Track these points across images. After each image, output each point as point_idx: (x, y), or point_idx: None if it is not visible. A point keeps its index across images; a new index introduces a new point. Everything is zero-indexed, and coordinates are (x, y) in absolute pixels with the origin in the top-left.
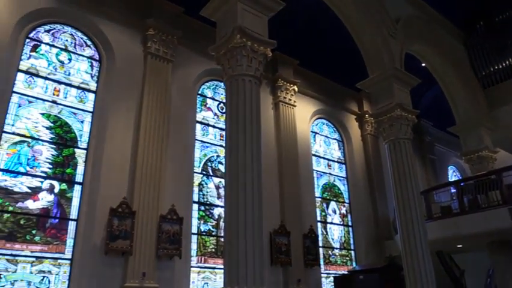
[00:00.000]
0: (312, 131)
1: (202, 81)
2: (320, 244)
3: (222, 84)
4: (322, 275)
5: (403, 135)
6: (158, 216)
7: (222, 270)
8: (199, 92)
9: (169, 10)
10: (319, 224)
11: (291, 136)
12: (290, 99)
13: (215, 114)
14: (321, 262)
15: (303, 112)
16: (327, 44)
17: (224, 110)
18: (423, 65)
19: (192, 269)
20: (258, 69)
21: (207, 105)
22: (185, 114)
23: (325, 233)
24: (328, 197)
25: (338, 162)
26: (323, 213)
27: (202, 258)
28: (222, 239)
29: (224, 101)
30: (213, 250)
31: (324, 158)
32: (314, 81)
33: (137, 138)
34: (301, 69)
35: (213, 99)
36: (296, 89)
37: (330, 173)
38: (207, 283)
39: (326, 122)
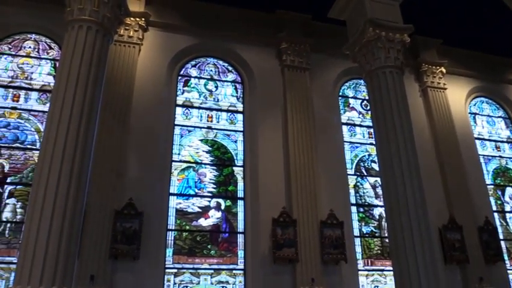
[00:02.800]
0: (470, 113)
1: (342, 83)
2: (501, 237)
3: (362, 81)
4: (508, 271)
5: None
6: (319, 222)
7: (392, 272)
8: (340, 94)
9: (297, 20)
10: (496, 215)
11: (447, 122)
12: (439, 83)
13: (359, 113)
14: (505, 257)
15: (456, 94)
16: (470, 12)
17: (368, 107)
18: None
19: (360, 272)
20: (397, 59)
21: (350, 105)
22: (330, 118)
23: (505, 223)
24: (502, 183)
25: (507, 142)
26: (499, 202)
27: (369, 261)
28: (387, 240)
29: (367, 97)
30: (379, 252)
31: (490, 140)
32: (464, 58)
33: (287, 148)
34: (446, 48)
35: (355, 98)
36: (444, 70)
37: (500, 156)
38: (377, 286)
39: (486, 100)
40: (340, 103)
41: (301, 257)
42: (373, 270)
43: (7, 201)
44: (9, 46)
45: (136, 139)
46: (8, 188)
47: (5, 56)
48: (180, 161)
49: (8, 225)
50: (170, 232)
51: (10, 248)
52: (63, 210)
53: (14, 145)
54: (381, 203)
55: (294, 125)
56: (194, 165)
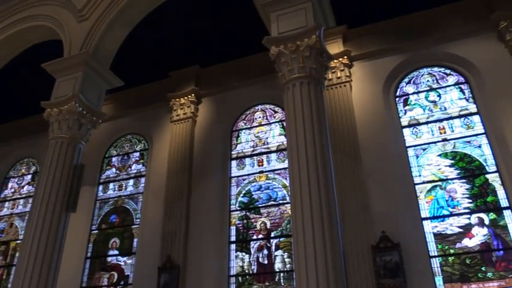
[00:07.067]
0: None
1: None
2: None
3: None
4: None
5: None
6: None
7: None
8: None
9: None
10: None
11: None
12: None
13: None
14: None
15: None
16: None
17: None
18: None
19: None
20: None
21: None
22: None
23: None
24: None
25: None
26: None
27: None
28: None
29: None
30: None
31: None
32: None
33: None
34: None
35: None
36: None
37: None
38: None
39: None
40: None
41: None
42: None
43: (275, 253)
44: (245, 122)
45: (372, 171)
46: (274, 242)
47: (244, 131)
48: (423, 183)
49: (281, 274)
50: (433, 259)
51: None
52: (323, 253)
53: (269, 203)
54: None
55: None
56: (440, 183)
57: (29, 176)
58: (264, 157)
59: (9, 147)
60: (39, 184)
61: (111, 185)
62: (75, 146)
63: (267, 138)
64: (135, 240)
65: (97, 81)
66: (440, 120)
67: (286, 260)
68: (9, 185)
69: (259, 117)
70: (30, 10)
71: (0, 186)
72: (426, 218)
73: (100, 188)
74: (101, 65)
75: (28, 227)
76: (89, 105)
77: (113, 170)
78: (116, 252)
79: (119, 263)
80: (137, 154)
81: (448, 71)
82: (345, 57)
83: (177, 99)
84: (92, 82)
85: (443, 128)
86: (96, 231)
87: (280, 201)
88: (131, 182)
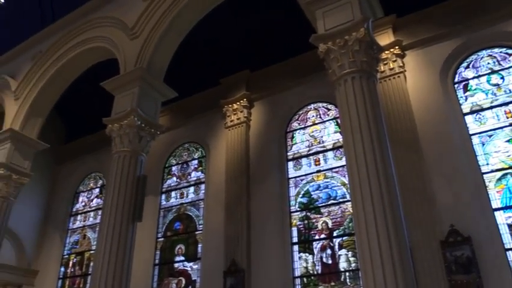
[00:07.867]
0: None
1: None
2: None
3: None
4: None
5: None
6: None
7: None
8: None
9: None
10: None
11: None
12: None
13: None
14: None
15: None
16: None
17: None
18: None
19: None
20: None
21: None
22: None
23: None
24: None
25: None
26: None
27: None
28: None
29: None
30: None
31: None
32: None
33: None
34: None
35: None
36: None
37: None
38: None
39: None
40: None
41: None
42: None
43: (339, 252)
44: (298, 122)
45: (435, 163)
46: (337, 241)
47: (298, 131)
48: (492, 171)
49: (347, 274)
50: (510, 252)
51: None
52: (389, 250)
53: (329, 202)
54: None
55: None
56: (510, 170)
57: (97, 190)
58: (320, 156)
59: (76, 164)
60: (107, 196)
61: (173, 194)
62: (137, 158)
63: (322, 136)
64: (199, 245)
65: (153, 94)
66: (506, 104)
67: (351, 259)
68: (80, 199)
69: (313, 116)
70: (86, 33)
71: (72, 201)
72: (498, 209)
73: (163, 197)
74: (155, 79)
75: (99, 237)
76: (147, 118)
77: (174, 178)
78: (182, 258)
79: (186, 268)
80: (196, 162)
81: (510, 51)
82: (397, 47)
83: (230, 105)
84: (148, 96)
85: (510, 112)
86: (162, 239)
87: (341, 200)
88: (191, 189)
